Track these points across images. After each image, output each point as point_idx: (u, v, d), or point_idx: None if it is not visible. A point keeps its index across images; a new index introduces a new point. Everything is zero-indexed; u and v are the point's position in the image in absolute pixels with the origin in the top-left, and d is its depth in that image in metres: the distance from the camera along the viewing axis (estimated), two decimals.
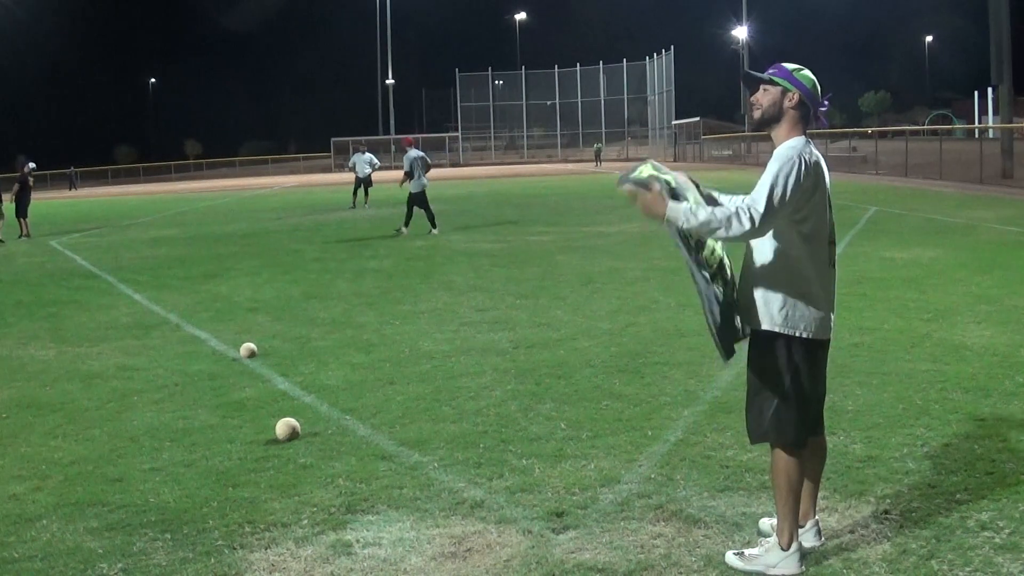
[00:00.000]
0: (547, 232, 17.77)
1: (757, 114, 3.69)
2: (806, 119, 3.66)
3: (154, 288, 12.40)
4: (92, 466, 5.27)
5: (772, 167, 3.51)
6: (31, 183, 23.86)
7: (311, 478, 4.90)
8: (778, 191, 3.44)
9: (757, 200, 3.45)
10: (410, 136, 20.00)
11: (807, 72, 3.69)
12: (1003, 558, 3.66)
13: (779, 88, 3.64)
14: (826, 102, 3.70)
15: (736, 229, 3.43)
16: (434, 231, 18.04)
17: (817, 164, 3.57)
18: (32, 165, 23.96)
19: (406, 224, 18.31)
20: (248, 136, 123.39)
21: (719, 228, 3.44)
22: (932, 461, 4.73)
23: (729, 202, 3.72)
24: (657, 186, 3.57)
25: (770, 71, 3.71)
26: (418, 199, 18.30)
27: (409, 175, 18.36)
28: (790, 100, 3.63)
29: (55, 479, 5.09)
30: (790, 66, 3.71)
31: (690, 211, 3.49)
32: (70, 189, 64.41)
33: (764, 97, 3.67)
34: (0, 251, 19.53)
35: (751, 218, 3.42)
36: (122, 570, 3.94)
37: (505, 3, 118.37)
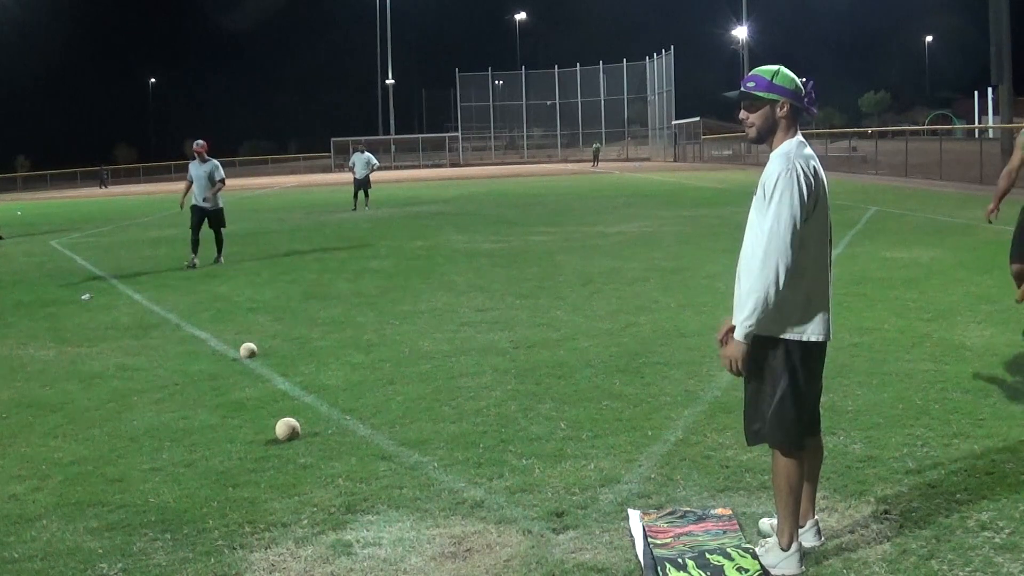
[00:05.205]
0: (547, 232, 17.76)
1: (753, 132, 3.63)
2: (798, 118, 3.61)
3: (154, 288, 12.40)
4: (92, 466, 5.27)
5: (776, 189, 3.44)
6: None
7: (311, 478, 4.90)
8: (787, 218, 3.41)
9: (773, 236, 3.42)
10: (204, 142, 15.59)
11: (785, 72, 3.58)
12: (1003, 558, 3.66)
13: (766, 101, 3.56)
14: (812, 93, 3.60)
15: (779, 284, 3.43)
16: (220, 261, 14.97)
17: (815, 167, 3.53)
18: None
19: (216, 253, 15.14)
20: (248, 136, 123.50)
21: (769, 297, 3.43)
22: (932, 461, 4.73)
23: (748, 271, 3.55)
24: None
25: (748, 83, 3.60)
26: (218, 217, 15.40)
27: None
28: (781, 110, 3.56)
29: (55, 479, 5.09)
30: (766, 71, 3.59)
31: (744, 322, 3.48)
32: (101, 187, 63.44)
33: (755, 114, 3.59)
34: (0, 250, 19.52)
35: (785, 265, 3.42)
36: (122, 570, 3.94)
37: (505, 3, 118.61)
